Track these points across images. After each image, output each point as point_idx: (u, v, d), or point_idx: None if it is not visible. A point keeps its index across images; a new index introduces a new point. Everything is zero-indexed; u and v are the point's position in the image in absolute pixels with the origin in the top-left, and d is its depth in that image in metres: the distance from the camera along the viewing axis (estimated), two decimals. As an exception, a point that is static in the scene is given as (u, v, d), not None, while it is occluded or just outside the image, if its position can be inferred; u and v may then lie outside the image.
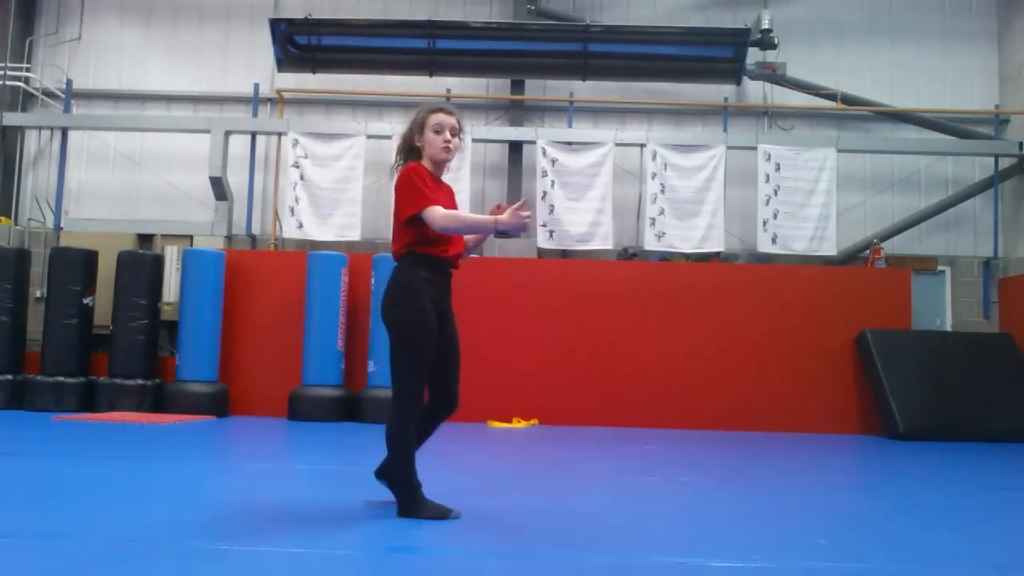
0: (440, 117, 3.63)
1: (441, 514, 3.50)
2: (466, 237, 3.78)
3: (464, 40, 10.93)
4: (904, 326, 9.46)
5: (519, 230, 3.46)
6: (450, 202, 3.69)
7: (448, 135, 3.61)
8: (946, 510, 4.36)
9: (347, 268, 9.14)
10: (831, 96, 10.96)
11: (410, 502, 3.51)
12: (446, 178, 3.82)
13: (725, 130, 10.89)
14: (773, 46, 10.84)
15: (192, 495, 4.02)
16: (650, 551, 3.11)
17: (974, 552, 3.32)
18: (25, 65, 11.36)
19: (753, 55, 10.92)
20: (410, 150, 3.70)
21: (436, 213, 3.46)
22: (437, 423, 3.74)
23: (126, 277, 9.09)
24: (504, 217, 3.44)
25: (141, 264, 9.19)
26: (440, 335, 3.59)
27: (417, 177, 3.52)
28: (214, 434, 7.24)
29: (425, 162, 3.66)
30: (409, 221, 3.52)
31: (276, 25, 10.71)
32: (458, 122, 3.68)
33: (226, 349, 9.16)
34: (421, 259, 3.57)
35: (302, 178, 10.40)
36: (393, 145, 10.20)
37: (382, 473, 3.77)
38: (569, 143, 10.59)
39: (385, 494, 3.81)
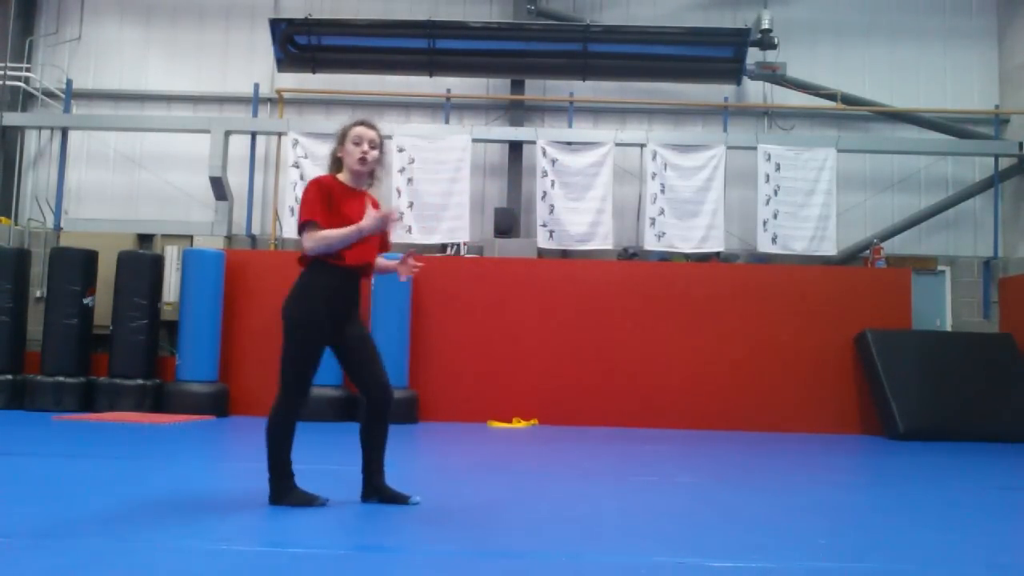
0: (360, 130, 3.82)
1: (308, 501, 3.67)
2: (377, 262, 3.93)
3: (464, 40, 10.94)
4: (904, 326, 9.45)
5: (380, 227, 3.69)
6: (361, 212, 3.74)
7: (366, 147, 3.79)
8: (946, 510, 4.36)
9: (377, 230, 9.10)
10: (831, 96, 10.96)
11: (282, 490, 3.68)
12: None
13: (725, 130, 10.89)
14: (773, 46, 10.84)
15: (191, 495, 4.02)
16: (650, 551, 3.11)
17: (974, 552, 3.31)
18: (25, 65, 11.37)
19: (753, 55, 10.93)
20: (336, 160, 3.89)
21: (312, 237, 3.62)
22: (381, 419, 3.83)
23: (126, 277, 9.09)
24: (365, 223, 3.62)
25: (141, 264, 9.18)
26: (348, 336, 3.77)
27: (316, 191, 3.67)
28: (214, 434, 7.24)
29: (344, 173, 3.82)
30: (299, 230, 3.72)
31: (276, 25, 10.72)
32: (378, 135, 3.88)
33: (226, 349, 9.15)
34: (323, 267, 3.73)
35: (302, 178, 10.40)
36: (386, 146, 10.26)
37: (369, 495, 3.85)
38: (569, 143, 10.59)
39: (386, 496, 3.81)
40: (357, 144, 3.79)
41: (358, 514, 3.63)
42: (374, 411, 3.82)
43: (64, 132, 11.00)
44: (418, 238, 10.32)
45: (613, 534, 3.41)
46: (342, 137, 3.85)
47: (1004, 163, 10.95)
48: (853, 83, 11.19)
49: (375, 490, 3.83)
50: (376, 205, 3.89)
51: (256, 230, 10.99)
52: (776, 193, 10.45)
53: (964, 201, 11.03)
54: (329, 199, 3.68)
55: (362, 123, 3.87)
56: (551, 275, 9.56)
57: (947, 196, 11.08)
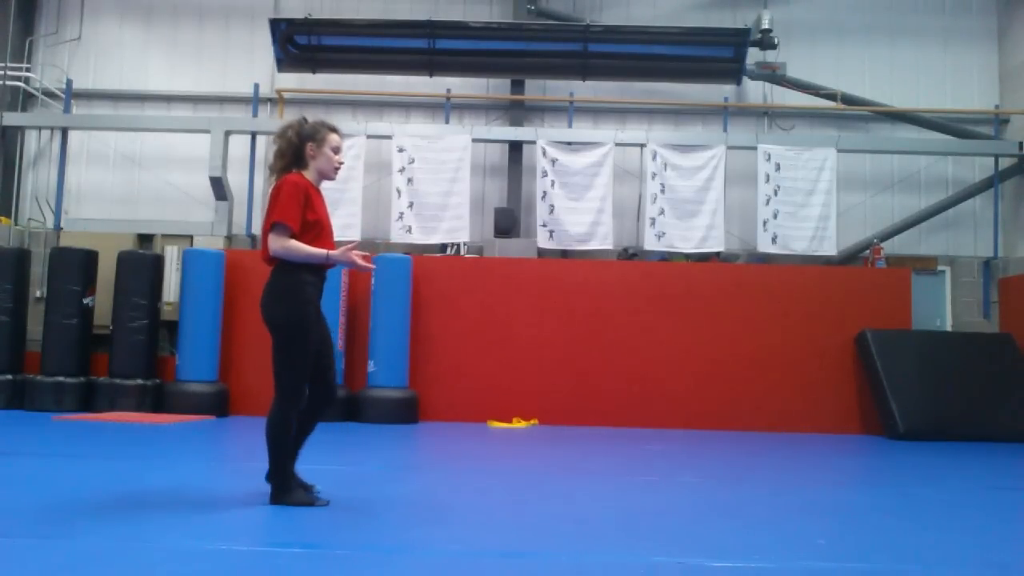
0: (338, 140, 3.90)
1: (309, 501, 3.72)
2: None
3: (464, 40, 10.93)
4: (904, 326, 9.45)
5: (347, 266, 3.75)
6: (326, 210, 3.88)
7: (341, 158, 3.94)
8: (946, 510, 4.37)
9: (347, 268, 9.12)
10: (831, 96, 10.96)
11: (283, 490, 3.72)
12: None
13: (725, 130, 10.89)
14: (773, 46, 10.84)
15: (191, 495, 4.02)
16: (650, 551, 3.11)
17: (974, 552, 3.32)
18: (25, 65, 11.36)
19: (753, 55, 10.92)
20: (298, 157, 3.83)
21: (282, 243, 3.63)
22: (318, 419, 3.89)
23: (126, 277, 9.09)
24: (336, 253, 3.69)
25: (141, 264, 9.18)
26: (319, 335, 3.79)
27: (296, 194, 3.67)
28: (214, 434, 7.24)
29: (310, 172, 3.83)
30: (271, 227, 3.67)
31: (276, 25, 10.72)
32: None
33: (226, 349, 9.15)
34: (304, 265, 3.71)
35: (302, 178, 10.39)
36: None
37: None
38: (569, 143, 10.59)
39: (384, 495, 3.81)
40: (336, 152, 3.86)
41: (359, 514, 3.63)
42: (317, 408, 3.87)
43: (64, 132, 10.99)
44: (418, 238, 10.32)
45: (613, 534, 3.41)
46: (320, 140, 3.80)
47: (1004, 163, 10.95)
48: (853, 83, 11.19)
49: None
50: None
51: (256, 230, 10.97)
52: (776, 193, 10.44)
53: (964, 201, 11.02)
54: (306, 202, 3.70)
55: (335, 130, 3.91)
56: (551, 275, 9.55)
57: (947, 196, 11.08)
